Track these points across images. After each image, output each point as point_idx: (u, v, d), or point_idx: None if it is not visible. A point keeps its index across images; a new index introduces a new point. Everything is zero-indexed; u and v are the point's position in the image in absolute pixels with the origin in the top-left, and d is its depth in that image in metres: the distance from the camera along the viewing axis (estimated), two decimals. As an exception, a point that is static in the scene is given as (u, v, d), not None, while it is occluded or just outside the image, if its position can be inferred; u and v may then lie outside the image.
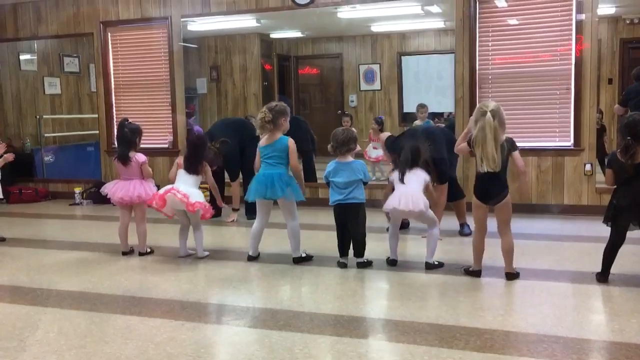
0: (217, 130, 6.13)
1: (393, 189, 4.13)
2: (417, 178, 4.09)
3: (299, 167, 4.41)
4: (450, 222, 5.26)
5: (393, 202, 4.03)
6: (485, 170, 3.65)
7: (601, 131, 6.58)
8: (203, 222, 4.66)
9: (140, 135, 4.73)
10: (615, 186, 3.74)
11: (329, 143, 4.21)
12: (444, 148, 4.77)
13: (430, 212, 4.14)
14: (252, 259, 4.46)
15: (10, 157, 5.45)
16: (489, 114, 3.58)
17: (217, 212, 6.24)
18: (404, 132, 5.14)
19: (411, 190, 4.02)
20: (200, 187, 4.62)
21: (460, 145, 3.90)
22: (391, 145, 4.72)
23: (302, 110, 9.89)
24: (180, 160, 4.62)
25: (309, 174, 7.06)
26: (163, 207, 4.42)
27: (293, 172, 4.33)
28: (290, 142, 4.27)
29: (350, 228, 4.18)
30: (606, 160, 3.85)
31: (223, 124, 6.57)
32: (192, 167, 4.53)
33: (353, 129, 4.33)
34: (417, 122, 7.27)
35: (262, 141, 4.31)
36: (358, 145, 7.87)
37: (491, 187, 3.73)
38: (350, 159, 4.21)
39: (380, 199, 6.30)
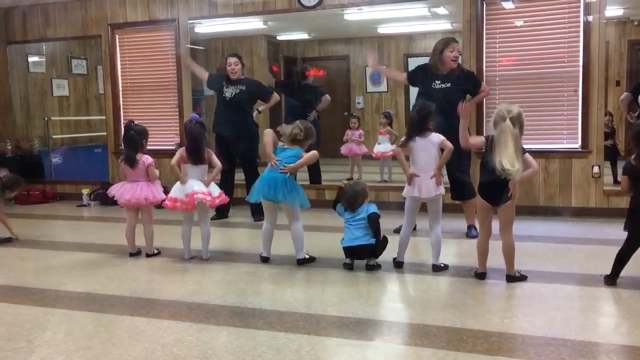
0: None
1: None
2: (431, 145, 4.06)
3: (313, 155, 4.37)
4: (458, 223, 5.25)
5: (409, 191, 4.10)
6: (502, 169, 3.58)
7: (611, 134, 6.54)
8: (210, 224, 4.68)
9: (146, 137, 4.74)
10: (631, 193, 3.73)
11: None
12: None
13: (440, 203, 4.13)
14: (265, 259, 4.47)
15: None
16: (508, 120, 3.58)
17: (224, 214, 6.28)
18: None
19: (428, 176, 4.03)
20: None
21: (477, 140, 3.84)
22: None
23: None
24: (183, 152, 4.60)
25: (315, 175, 7.06)
26: (194, 209, 4.49)
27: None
28: (310, 154, 4.37)
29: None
30: (622, 168, 3.84)
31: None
32: (196, 158, 4.54)
33: (361, 180, 4.33)
34: None
35: (281, 143, 4.38)
36: (364, 146, 7.91)
37: (500, 189, 3.71)
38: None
39: (389, 200, 6.33)
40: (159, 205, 4.74)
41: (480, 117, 6.07)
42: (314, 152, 4.37)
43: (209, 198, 4.48)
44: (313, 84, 7.46)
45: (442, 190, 4.09)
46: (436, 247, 4.12)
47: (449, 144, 4.03)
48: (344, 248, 4.19)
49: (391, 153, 7.25)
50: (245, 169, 6.24)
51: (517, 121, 3.61)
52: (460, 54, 5.08)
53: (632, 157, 3.65)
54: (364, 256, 4.18)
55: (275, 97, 6.35)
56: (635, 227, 3.66)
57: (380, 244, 4.15)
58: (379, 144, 7.73)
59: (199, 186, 4.48)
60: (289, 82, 8.03)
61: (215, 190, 4.60)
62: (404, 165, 4.15)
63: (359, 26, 8.38)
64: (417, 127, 4.09)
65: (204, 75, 6.45)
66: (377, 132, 8.15)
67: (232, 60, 6.16)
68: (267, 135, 4.40)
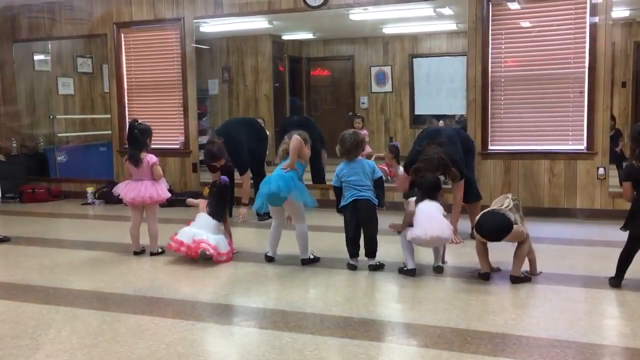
0: (227, 128, 6.33)
1: (411, 223, 4.08)
2: (437, 206, 4.04)
3: (293, 162, 4.30)
4: (462, 225, 5.23)
5: (418, 232, 3.92)
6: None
7: (616, 136, 6.50)
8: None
9: (150, 136, 4.75)
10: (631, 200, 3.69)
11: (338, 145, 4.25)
12: (459, 148, 4.80)
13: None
14: (270, 259, 4.48)
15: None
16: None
17: (228, 213, 6.28)
18: (421, 133, 5.15)
19: (436, 217, 3.95)
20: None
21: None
22: (412, 164, 4.60)
23: (313, 112, 9.91)
24: (203, 203, 4.68)
25: (318, 174, 7.06)
26: (196, 256, 4.47)
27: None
28: (294, 138, 4.31)
29: (363, 227, 4.19)
30: (622, 174, 3.79)
31: (233, 122, 6.86)
32: (216, 215, 4.57)
33: (360, 132, 4.36)
34: None
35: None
36: (368, 146, 7.93)
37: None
38: (359, 158, 4.25)
39: (394, 200, 6.32)
40: (164, 204, 4.75)
41: (485, 127, 6.06)
42: (295, 138, 4.31)
43: (212, 251, 4.39)
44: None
45: (449, 233, 4.01)
46: (440, 251, 4.13)
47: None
48: (346, 205, 4.15)
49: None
50: (253, 167, 6.23)
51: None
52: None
53: (633, 159, 3.63)
54: (367, 213, 4.13)
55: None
56: (636, 229, 3.65)
57: (374, 239, 4.19)
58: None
59: (208, 236, 4.43)
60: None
61: (223, 246, 4.49)
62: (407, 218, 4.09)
63: (364, 26, 8.38)
64: (428, 193, 4.08)
65: None
66: (378, 136, 8.11)
67: None
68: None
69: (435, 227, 3.90)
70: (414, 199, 4.13)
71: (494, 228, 3.75)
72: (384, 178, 4.45)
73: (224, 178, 4.85)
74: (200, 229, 4.49)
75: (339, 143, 4.25)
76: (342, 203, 4.21)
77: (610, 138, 5.94)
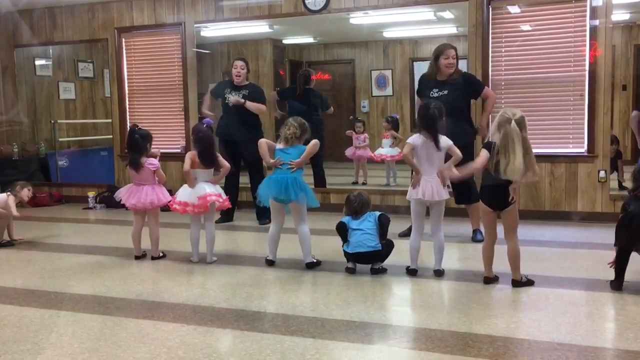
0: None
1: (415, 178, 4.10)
2: (440, 154, 4.02)
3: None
4: (463, 227, 5.24)
5: (413, 194, 4.04)
6: (505, 179, 3.62)
7: (616, 158, 6.48)
8: (215, 227, 4.70)
9: (150, 141, 4.76)
10: None
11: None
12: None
13: (443, 206, 4.11)
14: (271, 263, 4.48)
15: None
16: (513, 122, 3.57)
17: (229, 217, 6.29)
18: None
19: (433, 179, 3.99)
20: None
21: (482, 159, 3.72)
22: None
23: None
24: (194, 156, 4.59)
25: (320, 179, 7.06)
26: (207, 211, 4.53)
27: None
28: (315, 143, 4.35)
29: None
30: (622, 204, 3.84)
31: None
32: (210, 162, 4.59)
33: (364, 193, 4.35)
34: None
35: (280, 145, 4.39)
36: (369, 150, 7.92)
37: (503, 193, 3.70)
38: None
39: (395, 205, 6.33)
40: (166, 208, 4.76)
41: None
42: (314, 142, 4.38)
43: (221, 200, 4.59)
44: (317, 89, 7.46)
45: (446, 194, 4.08)
46: (439, 253, 4.11)
47: (458, 152, 3.98)
48: (350, 254, 4.17)
49: (397, 158, 7.26)
50: (251, 171, 6.24)
51: (523, 123, 3.61)
52: (454, 59, 5.04)
53: (634, 193, 3.70)
54: (370, 261, 4.19)
55: (263, 107, 6.23)
56: (622, 241, 3.67)
57: (387, 248, 4.15)
58: (382, 147, 7.74)
59: (211, 188, 4.55)
60: (291, 88, 8.01)
61: (222, 192, 4.69)
62: (416, 167, 4.07)
63: (364, 30, 8.39)
64: (426, 126, 4.00)
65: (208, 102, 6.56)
66: (381, 135, 8.13)
67: (239, 63, 6.17)
68: (262, 145, 4.44)
69: (433, 190, 3.95)
70: (415, 138, 4.06)
71: (494, 199, 3.75)
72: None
73: (208, 121, 4.83)
74: (201, 183, 4.54)
75: (345, 205, 4.29)
76: (347, 249, 4.19)
77: (610, 160, 5.92)
